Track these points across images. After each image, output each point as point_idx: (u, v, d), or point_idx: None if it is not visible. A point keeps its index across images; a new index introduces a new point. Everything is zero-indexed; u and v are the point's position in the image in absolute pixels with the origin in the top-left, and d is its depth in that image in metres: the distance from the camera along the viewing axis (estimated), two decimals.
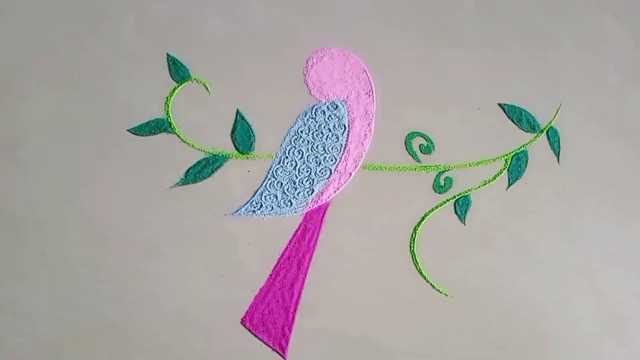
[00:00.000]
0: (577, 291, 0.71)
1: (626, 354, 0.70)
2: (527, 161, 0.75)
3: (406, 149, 0.74)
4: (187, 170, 0.71)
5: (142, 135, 0.72)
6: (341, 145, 0.74)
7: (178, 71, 0.74)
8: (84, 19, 0.75)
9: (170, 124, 0.73)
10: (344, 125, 0.74)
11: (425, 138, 0.75)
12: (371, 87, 0.75)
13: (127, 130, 0.72)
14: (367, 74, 0.76)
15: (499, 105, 0.76)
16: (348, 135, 0.74)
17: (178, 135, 0.72)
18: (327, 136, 0.74)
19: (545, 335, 0.71)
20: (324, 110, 0.74)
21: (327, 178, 0.72)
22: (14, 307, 0.68)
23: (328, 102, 0.75)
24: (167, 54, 0.75)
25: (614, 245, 0.73)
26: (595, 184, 0.75)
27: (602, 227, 0.73)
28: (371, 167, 0.73)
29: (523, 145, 0.75)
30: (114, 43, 0.75)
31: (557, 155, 0.75)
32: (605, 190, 0.74)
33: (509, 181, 0.74)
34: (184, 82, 0.74)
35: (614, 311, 0.71)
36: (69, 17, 0.75)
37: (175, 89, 0.74)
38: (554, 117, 0.76)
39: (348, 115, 0.74)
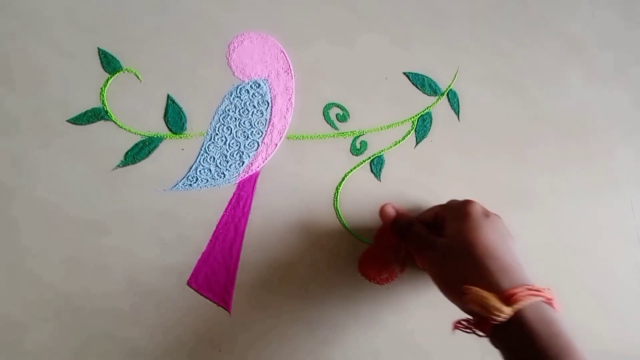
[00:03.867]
0: None
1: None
2: (431, 121, 0.84)
3: (324, 118, 0.82)
4: (126, 153, 0.77)
5: (81, 125, 0.78)
6: (266, 119, 0.81)
7: (109, 63, 0.80)
8: (17, 20, 0.80)
9: (106, 112, 0.78)
10: (267, 101, 0.82)
11: (340, 108, 0.83)
12: (289, 66, 0.83)
13: (67, 120, 0.77)
14: (284, 54, 0.84)
15: (404, 73, 0.85)
16: (271, 110, 0.82)
17: (115, 122, 0.78)
18: (252, 112, 0.81)
19: None
20: (247, 89, 0.82)
21: (256, 150, 0.80)
22: None
23: (251, 81, 0.82)
24: (98, 48, 0.80)
25: (508, 188, 0.83)
26: (491, 137, 0.85)
27: (498, 174, 0.84)
28: (294, 137, 0.81)
29: (427, 108, 0.85)
30: (48, 42, 0.80)
31: (457, 114, 0.85)
32: (499, 142, 0.85)
33: (416, 140, 0.84)
34: (116, 73, 0.80)
35: None
36: (2, 19, 0.79)
37: (108, 79, 0.79)
38: (453, 81, 0.86)
39: (270, 92, 0.82)
